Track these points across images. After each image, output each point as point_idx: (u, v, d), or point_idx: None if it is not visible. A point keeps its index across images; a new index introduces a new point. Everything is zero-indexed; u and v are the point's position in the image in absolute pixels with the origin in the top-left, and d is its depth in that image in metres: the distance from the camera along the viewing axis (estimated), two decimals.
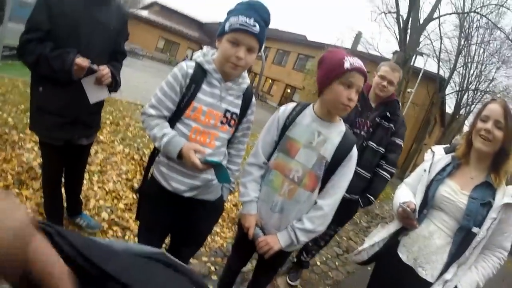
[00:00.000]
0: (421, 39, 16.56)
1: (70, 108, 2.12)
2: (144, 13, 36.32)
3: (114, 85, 2.26)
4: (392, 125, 2.77)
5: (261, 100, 29.58)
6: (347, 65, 1.57)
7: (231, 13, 1.56)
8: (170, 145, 1.57)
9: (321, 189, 1.75)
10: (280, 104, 28.60)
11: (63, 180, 2.52)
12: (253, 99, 1.82)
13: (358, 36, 17.42)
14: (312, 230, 1.72)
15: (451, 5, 17.49)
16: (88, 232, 2.75)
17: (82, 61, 1.94)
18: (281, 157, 1.76)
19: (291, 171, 1.71)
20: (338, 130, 1.73)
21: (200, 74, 1.63)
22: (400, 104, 2.90)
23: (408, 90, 17.63)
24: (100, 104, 2.34)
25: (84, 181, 3.25)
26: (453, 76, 20.55)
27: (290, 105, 1.87)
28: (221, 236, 3.63)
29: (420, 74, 17.76)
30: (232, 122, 1.72)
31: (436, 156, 1.98)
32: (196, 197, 1.74)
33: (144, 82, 13.45)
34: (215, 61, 1.64)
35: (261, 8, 1.55)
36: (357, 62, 1.59)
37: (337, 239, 4.82)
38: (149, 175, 1.84)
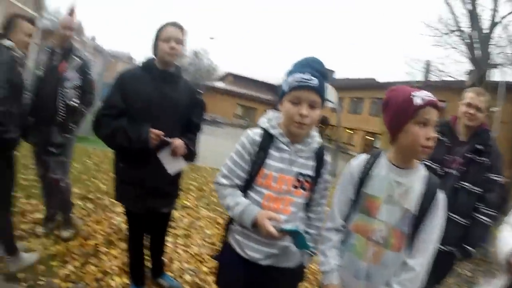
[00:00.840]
0: (490, 50, 15.00)
1: (149, 180, 2.26)
2: (220, 84, 39.01)
3: (189, 155, 2.37)
4: (486, 159, 2.39)
5: (343, 152, 28.88)
6: (417, 101, 1.41)
7: (288, 74, 1.57)
8: (244, 214, 1.54)
9: (409, 245, 1.52)
10: (363, 152, 27.55)
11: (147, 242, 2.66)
12: (326, 157, 1.72)
13: (428, 65, 16.52)
14: None
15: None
16: None
17: (156, 131, 2.12)
18: (361, 218, 1.58)
19: (374, 232, 1.53)
20: (419, 176, 1.53)
21: (267, 140, 1.61)
22: (490, 133, 2.51)
23: (492, 109, 15.80)
24: (178, 175, 2.44)
25: (169, 244, 3.46)
26: None
27: (362, 158, 1.70)
28: None
29: (501, 88, 15.74)
30: (307, 185, 1.64)
31: None
32: (274, 265, 1.64)
33: (225, 149, 13.83)
34: (280, 125, 1.63)
35: (314, 61, 1.55)
36: (427, 95, 1.44)
37: None
38: (226, 242, 1.79)
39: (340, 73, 44.82)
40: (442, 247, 2.19)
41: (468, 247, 2.37)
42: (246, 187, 1.64)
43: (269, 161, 1.59)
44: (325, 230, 1.71)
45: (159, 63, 2.29)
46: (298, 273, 1.76)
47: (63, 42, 3.20)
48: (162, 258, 2.86)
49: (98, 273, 2.84)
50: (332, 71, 44.96)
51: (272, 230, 1.43)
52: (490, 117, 15.30)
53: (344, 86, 31.23)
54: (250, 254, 1.61)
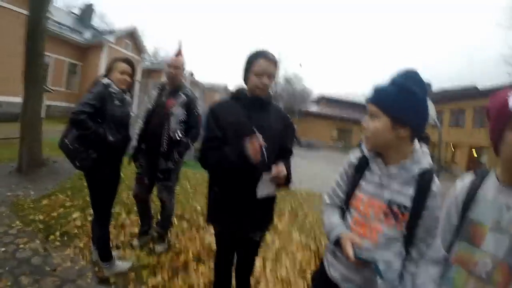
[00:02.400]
0: None
1: (242, 206, 2.22)
2: (314, 108, 39.05)
3: (287, 182, 2.29)
4: None
5: (446, 171, 26.28)
6: None
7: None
8: (332, 231, 1.56)
9: None
10: (468, 169, 23.62)
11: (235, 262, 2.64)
12: (434, 187, 1.47)
13: None
14: None
15: None
16: None
17: (254, 141, 2.03)
18: (464, 247, 1.31)
19: (477, 265, 1.25)
20: None
21: (363, 162, 1.59)
22: None
23: None
24: (271, 201, 2.39)
25: (257, 267, 3.47)
26: None
27: (468, 179, 1.42)
28: None
29: None
30: (400, 216, 1.45)
31: None
32: None
33: (321, 172, 13.94)
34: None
35: (382, 88, 1.48)
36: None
37: None
38: (322, 259, 1.82)
39: (437, 84, 41.50)
40: None
41: None
42: (345, 208, 1.63)
43: (362, 183, 1.56)
44: (424, 260, 1.47)
45: (249, 92, 2.27)
46: None
47: (172, 80, 3.52)
48: (249, 280, 2.78)
49: (185, 287, 2.99)
50: (428, 84, 42.46)
51: (350, 253, 1.37)
52: None
53: (442, 98, 29.03)
54: (332, 274, 1.61)
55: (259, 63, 2.17)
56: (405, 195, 1.45)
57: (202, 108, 3.66)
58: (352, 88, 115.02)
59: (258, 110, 2.25)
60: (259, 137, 2.06)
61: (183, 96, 3.48)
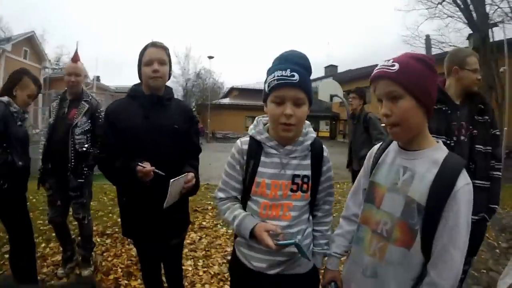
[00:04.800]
0: (487, 9, 14.78)
1: (152, 215, 2.09)
2: (226, 100, 39.39)
3: (195, 189, 2.23)
4: (487, 117, 2.35)
5: None
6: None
7: (267, 73, 1.47)
8: (241, 227, 1.50)
9: (427, 247, 1.22)
10: None
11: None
12: (325, 153, 1.62)
13: (428, 41, 16.38)
14: None
15: None
16: None
17: (143, 167, 1.95)
18: (368, 208, 1.43)
19: (379, 224, 1.34)
20: (430, 159, 1.25)
21: (256, 148, 1.54)
22: (496, 90, 2.49)
23: (501, 69, 15.12)
24: (184, 204, 2.32)
25: (189, 268, 3.52)
26: None
27: (376, 146, 1.56)
28: None
29: (505, 46, 15.13)
30: (305, 186, 1.54)
31: None
32: (282, 272, 1.55)
33: None
34: (269, 128, 1.55)
35: (294, 56, 1.46)
36: (375, 70, 1.31)
37: (474, 274, 3.76)
38: (234, 255, 1.74)
39: (343, 67, 44.39)
40: (474, 217, 1.91)
41: (493, 206, 2.34)
42: (244, 197, 1.60)
43: (260, 169, 1.52)
44: (341, 217, 1.66)
45: (145, 88, 2.16)
46: (311, 277, 1.63)
47: (71, 89, 3.23)
48: (182, 284, 2.73)
49: None
50: (334, 66, 44.93)
51: (271, 243, 1.36)
52: (501, 77, 14.89)
53: (349, 78, 30.94)
54: (256, 265, 1.55)
55: (147, 52, 2.11)
56: (304, 167, 1.54)
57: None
58: (260, 75, 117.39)
59: (157, 107, 2.13)
60: (147, 164, 1.96)
61: (85, 104, 3.22)
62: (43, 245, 4.04)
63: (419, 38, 19.53)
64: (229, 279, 3.28)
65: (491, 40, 15.19)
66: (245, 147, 1.56)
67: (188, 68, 42.37)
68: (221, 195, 1.64)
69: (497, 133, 2.40)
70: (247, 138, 1.59)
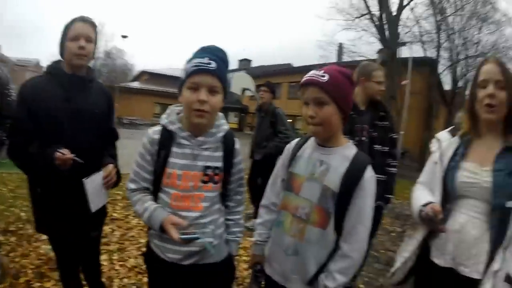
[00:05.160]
0: (399, 30, 17.04)
1: (70, 207, 1.96)
2: (135, 84, 37.59)
3: (117, 182, 2.13)
4: (387, 122, 2.87)
5: None
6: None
7: (186, 62, 1.49)
8: (151, 220, 1.50)
9: (338, 226, 1.51)
10: None
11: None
12: (237, 146, 1.67)
13: (341, 48, 17.84)
14: (347, 282, 1.51)
15: None
16: None
17: (62, 154, 1.80)
18: (287, 195, 1.64)
19: (298, 209, 1.56)
20: (343, 155, 1.53)
21: (168, 138, 1.53)
22: (396, 100, 3.10)
23: (403, 82, 17.33)
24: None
25: (105, 262, 3.31)
26: (440, 54, 20.46)
27: (294, 141, 1.76)
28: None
29: (410, 63, 17.52)
30: (217, 177, 1.58)
31: (443, 143, 1.78)
32: (197, 262, 1.57)
33: None
34: (182, 119, 1.55)
35: (214, 48, 1.50)
36: (307, 76, 1.51)
37: (375, 254, 4.47)
38: (149, 247, 1.72)
39: (257, 62, 45.24)
40: None
41: (389, 196, 2.90)
42: (155, 188, 1.59)
43: (171, 159, 1.52)
44: (260, 206, 1.82)
45: (67, 67, 1.97)
46: (227, 265, 1.71)
47: None
48: (101, 280, 2.60)
49: None
50: (248, 60, 45.51)
51: (175, 237, 1.39)
52: (402, 89, 17.01)
53: (262, 74, 31.75)
54: (170, 256, 1.56)
55: (74, 26, 1.93)
56: (216, 158, 1.57)
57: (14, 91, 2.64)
58: (173, 61, 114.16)
59: (78, 89, 1.97)
60: (66, 151, 1.81)
61: None
62: None
63: (333, 45, 21.38)
64: (146, 271, 3.29)
65: (397, 56, 17.35)
66: (157, 136, 1.55)
67: (99, 46, 38.95)
68: (132, 186, 1.62)
69: (395, 136, 2.96)
70: (158, 128, 1.57)
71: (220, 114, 1.61)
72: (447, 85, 22.69)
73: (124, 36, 31.19)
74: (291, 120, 29.24)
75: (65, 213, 1.97)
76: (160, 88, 37.64)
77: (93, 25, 2.00)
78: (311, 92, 1.47)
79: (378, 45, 18.85)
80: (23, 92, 1.96)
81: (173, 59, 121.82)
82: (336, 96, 1.44)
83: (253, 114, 28.09)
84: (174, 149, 1.53)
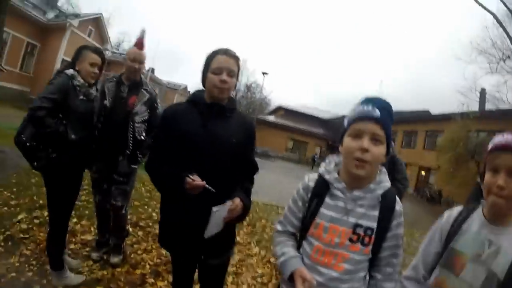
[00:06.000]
0: None
1: (194, 227, 1.91)
2: (271, 118, 39.53)
3: (242, 216, 2.04)
4: None
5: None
6: (490, 145, 1.35)
7: (350, 111, 1.43)
8: (284, 266, 1.44)
9: None
10: (417, 189, 26.31)
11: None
12: (398, 207, 1.45)
13: (483, 94, 15.82)
14: None
15: None
16: None
17: (192, 180, 1.80)
18: (444, 274, 1.41)
19: None
20: None
21: (323, 187, 1.46)
22: None
23: None
24: (232, 225, 2.11)
25: None
26: None
27: (456, 210, 1.53)
28: None
29: None
30: (367, 239, 1.40)
31: None
32: None
33: (278, 183, 13.91)
34: (340, 170, 1.47)
35: (379, 99, 1.40)
36: (503, 139, 1.31)
37: None
38: None
39: (393, 106, 44.05)
40: None
41: None
42: (301, 236, 1.53)
43: (322, 210, 1.44)
44: (404, 279, 1.55)
45: (208, 96, 1.99)
46: None
47: (132, 75, 3.11)
48: None
49: None
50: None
51: None
52: None
53: (397, 119, 30.12)
54: None
55: (217, 59, 1.92)
56: (370, 218, 1.41)
57: (162, 108, 3.20)
58: (308, 100, 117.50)
59: (217, 118, 1.96)
60: (196, 177, 1.80)
61: (145, 93, 3.15)
62: (74, 220, 3.92)
63: (474, 91, 19.47)
64: None
65: None
66: (312, 184, 1.51)
67: (241, 80, 42.60)
68: (279, 227, 1.60)
69: None
70: (315, 176, 1.53)
71: (383, 169, 1.48)
72: None
73: (264, 73, 33.00)
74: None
75: (186, 236, 1.97)
76: (294, 124, 38.71)
77: (236, 58, 1.98)
78: (507, 160, 1.27)
79: None
80: (167, 114, 2.01)
81: (308, 98, 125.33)
82: None
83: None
84: (327, 200, 1.45)
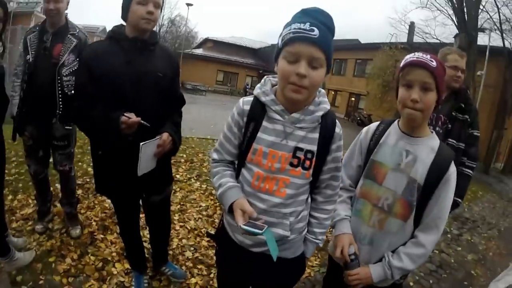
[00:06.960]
0: (479, 15, 15.00)
1: (129, 169, 1.90)
2: (199, 51, 38.17)
3: (173, 151, 2.09)
4: (467, 116, 2.50)
5: None
6: (402, 63, 1.46)
7: (284, 26, 1.24)
8: (223, 198, 1.38)
9: (416, 218, 1.50)
10: (347, 114, 28.01)
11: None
12: (338, 129, 1.38)
13: (412, 27, 16.61)
14: (412, 269, 1.53)
15: None
16: (173, 281, 2.68)
17: (128, 117, 1.78)
18: (368, 184, 1.58)
19: (380, 199, 1.53)
20: (429, 146, 1.47)
21: (259, 110, 1.34)
22: (469, 91, 2.59)
23: (478, 73, 15.68)
24: (166, 158, 2.13)
25: None
26: None
27: (373, 126, 1.68)
28: (307, 265, 3.15)
29: (487, 53, 15.87)
30: (308, 162, 1.34)
31: None
32: (267, 253, 1.30)
33: (212, 117, 13.80)
34: (277, 91, 1.34)
35: (317, 11, 1.21)
36: (412, 56, 1.44)
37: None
38: (222, 222, 1.62)
39: None
40: None
41: (457, 199, 2.40)
42: (239, 163, 1.44)
43: (260, 134, 1.33)
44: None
45: (130, 30, 1.89)
46: (296, 264, 1.53)
47: (53, 19, 2.65)
48: (167, 241, 2.70)
49: (98, 263, 2.73)
50: None
51: (239, 223, 1.24)
52: (475, 80, 15.55)
53: None
54: (239, 239, 1.45)
55: None
56: (310, 140, 1.33)
57: None
58: (237, 33, 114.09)
59: (141, 53, 1.91)
60: (132, 115, 1.78)
61: (72, 38, 2.67)
62: (10, 197, 3.57)
63: (404, 23, 20.13)
64: (205, 234, 3.41)
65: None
66: (247, 107, 1.37)
67: (164, 13, 39.96)
68: (215, 156, 1.49)
69: (476, 134, 2.56)
70: (250, 98, 1.40)
71: (322, 91, 1.37)
72: None
73: (189, 4, 31.19)
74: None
75: (123, 176, 1.98)
76: (224, 56, 37.88)
77: None
78: (419, 75, 1.39)
79: (453, 28, 17.06)
80: (85, 56, 1.94)
81: (236, 28, 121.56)
82: (440, 84, 1.40)
83: None
84: (265, 123, 1.33)
